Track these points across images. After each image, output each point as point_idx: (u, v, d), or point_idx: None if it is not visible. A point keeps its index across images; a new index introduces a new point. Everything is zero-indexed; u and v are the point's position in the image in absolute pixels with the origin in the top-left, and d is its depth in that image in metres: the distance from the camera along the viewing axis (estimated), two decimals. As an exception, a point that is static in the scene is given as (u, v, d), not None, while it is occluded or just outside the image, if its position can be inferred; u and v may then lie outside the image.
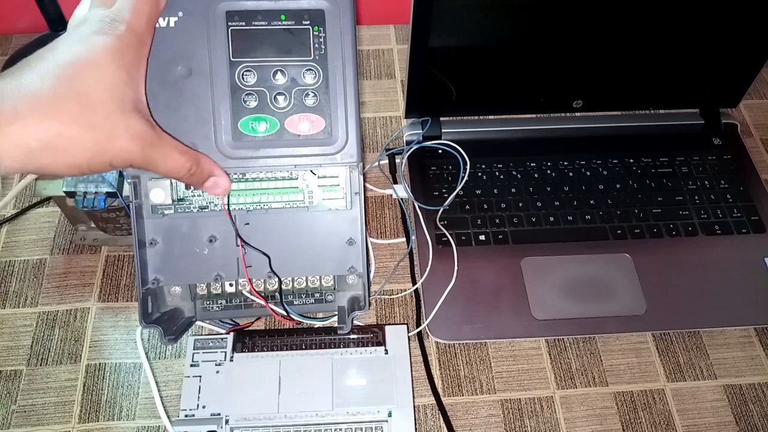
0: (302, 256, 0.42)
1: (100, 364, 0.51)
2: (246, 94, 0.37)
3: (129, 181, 0.42)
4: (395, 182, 0.61)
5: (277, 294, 0.46)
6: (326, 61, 0.38)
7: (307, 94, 0.38)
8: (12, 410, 0.49)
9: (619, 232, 0.58)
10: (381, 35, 0.75)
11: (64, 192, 0.48)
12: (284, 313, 0.46)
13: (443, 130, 0.63)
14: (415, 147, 0.61)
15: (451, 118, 0.65)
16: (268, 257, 0.42)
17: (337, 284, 0.47)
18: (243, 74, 0.37)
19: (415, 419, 0.46)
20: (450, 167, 0.61)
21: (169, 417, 0.46)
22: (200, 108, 0.37)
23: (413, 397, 0.47)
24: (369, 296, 0.45)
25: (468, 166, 0.60)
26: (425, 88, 0.59)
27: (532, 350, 0.53)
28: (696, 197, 0.61)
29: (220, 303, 0.47)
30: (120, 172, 0.48)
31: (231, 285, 0.45)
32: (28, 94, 0.28)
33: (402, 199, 0.60)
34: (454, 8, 0.53)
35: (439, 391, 0.50)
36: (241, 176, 0.42)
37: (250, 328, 0.52)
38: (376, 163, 0.63)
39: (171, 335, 0.42)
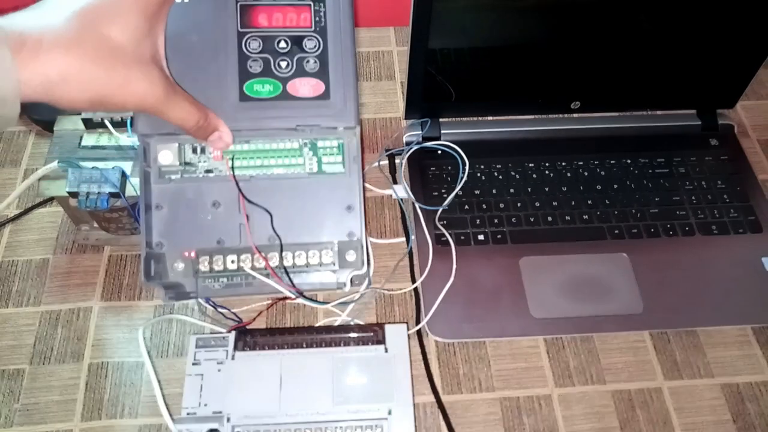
0: (302, 221, 0.42)
1: (102, 362, 0.52)
2: (251, 60, 0.40)
3: (139, 143, 0.43)
4: (395, 182, 0.62)
5: (278, 268, 0.45)
6: (326, 33, 0.41)
7: (308, 61, 0.40)
8: (15, 409, 0.49)
9: (616, 231, 0.58)
10: (381, 37, 0.75)
11: (67, 192, 0.48)
12: (288, 281, 0.44)
13: (442, 131, 0.63)
14: (415, 147, 0.62)
15: (450, 119, 0.65)
16: (270, 214, 0.42)
17: (338, 261, 0.47)
18: (249, 42, 0.40)
19: (414, 417, 0.47)
20: (449, 168, 0.62)
21: (171, 415, 0.46)
22: (209, 73, 0.40)
23: (413, 395, 0.48)
24: (367, 258, 0.44)
25: (467, 167, 0.61)
26: (425, 90, 0.60)
27: (531, 349, 0.53)
28: (693, 197, 0.61)
29: (222, 281, 0.47)
30: (122, 171, 0.49)
31: (233, 262, 0.45)
32: (54, 31, 0.30)
33: (402, 199, 0.60)
34: (454, 10, 0.53)
35: (439, 389, 0.51)
36: (245, 142, 0.42)
37: (251, 327, 0.52)
38: (376, 164, 0.63)
39: (171, 295, 0.42)
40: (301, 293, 0.46)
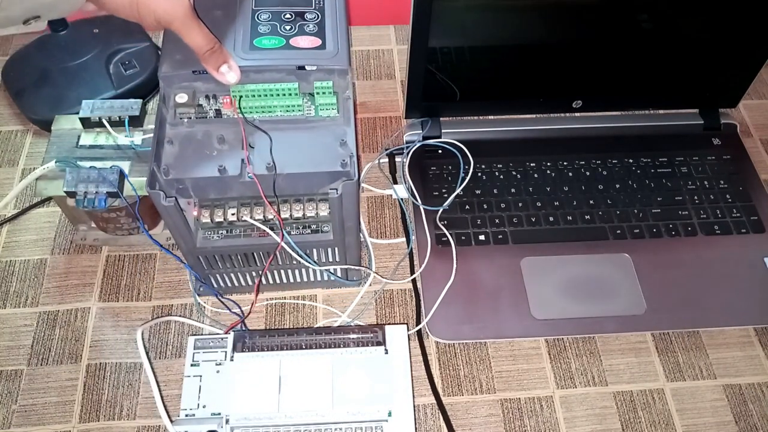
0: (300, 153, 0.46)
1: (100, 363, 0.51)
2: (261, 25, 0.48)
3: (160, 87, 0.47)
4: (395, 182, 0.61)
5: (276, 225, 0.47)
6: (324, 11, 0.50)
7: (308, 26, 0.49)
8: (13, 410, 0.49)
9: (618, 232, 0.58)
10: (381, 36, 0.75)
11: (65, 192, 0.48)
12: (276, 206, 0.47)
13: (443, 131, 0.63)
14: (417, 146, 0.62)
15: (450, 118, 0.65)
16: (270, 138, 0.46)
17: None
18: (260, 15, 0.49)
19: (414, 419, 0.46)
20: (450, 167, 0.61)
21: (169, 416, 0.46)
22: (227, 35, 0.47)
23: (413, 396, 0.47)
24: (359, 169, 0.48)
25: (470, 166, 0.60)
26: (425, 89, 0.59)
27: (532, 350, 0.53)
28: (695, 197, 0.61)
29: (221, 233, 0.48)
30: (120, 171, 0.48)
31: (233, 214, 0.47)
32: None
33: (402, 199, 0.60)
34: (454, 9, 0.53)
35: (439, 390, 0.51)
36: (251, 86, 0.47)
37: (250, 328, 0.52)
38: (376, 162, 0.63)
39: (171, 201, 0.44)
40: (299, 254, 0.48)
